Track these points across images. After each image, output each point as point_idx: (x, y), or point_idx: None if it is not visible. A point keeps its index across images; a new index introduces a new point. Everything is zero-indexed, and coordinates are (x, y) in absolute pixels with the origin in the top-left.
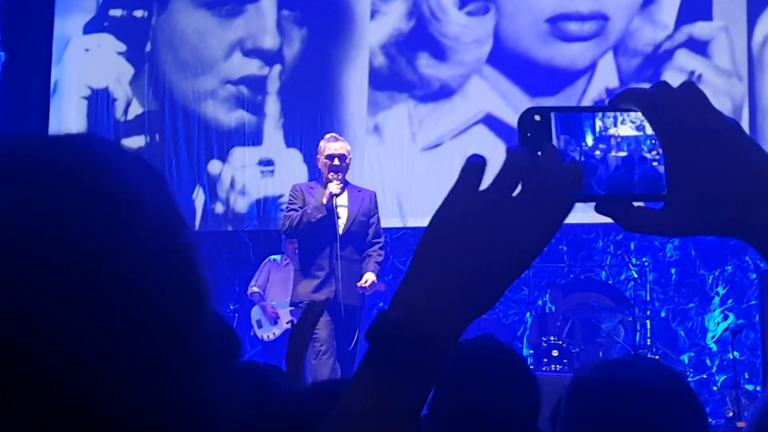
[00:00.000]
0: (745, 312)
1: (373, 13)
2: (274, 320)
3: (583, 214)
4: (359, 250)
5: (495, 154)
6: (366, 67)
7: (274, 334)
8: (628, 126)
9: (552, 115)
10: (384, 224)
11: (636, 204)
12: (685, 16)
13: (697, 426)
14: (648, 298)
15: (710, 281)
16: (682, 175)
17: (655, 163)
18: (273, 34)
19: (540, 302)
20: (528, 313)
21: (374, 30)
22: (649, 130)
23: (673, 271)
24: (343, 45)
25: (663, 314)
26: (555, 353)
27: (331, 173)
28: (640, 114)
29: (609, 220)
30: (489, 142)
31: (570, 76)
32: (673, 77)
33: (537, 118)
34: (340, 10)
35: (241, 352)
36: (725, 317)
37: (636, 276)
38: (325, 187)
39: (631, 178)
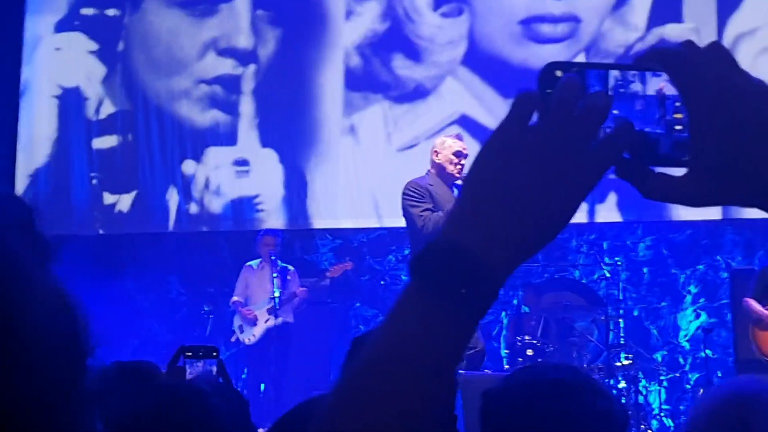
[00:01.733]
0: (717, 311)
1: (348, 14)
2: (253, 322)
3: None
4: None
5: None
6: (341, 68)
7: (254, 335)
8: (651, 86)
9: (574, 71)
10: (360, 224)
11: (657, 170)
12: (656, 18)
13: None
14: (621, 297)
15: (682, 280)
16: (707, 141)
17: (678, 127)
18: (247, 33)
19: (515, 302)
20: (503, 313)
21: (349, 30)
22: (673, 92)
23: (645, 270)
24: (317, 45)
25: (636, 313)
26: (530, 352)
27: (461, 173)
28: (665, 75)
29: (583, 219)
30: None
31: None
32: None
33: (558, 74)
34: (315, 10)
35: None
36: (697, 316)
37: (609, 275)
38: (450, 187)
39: (654, 142)
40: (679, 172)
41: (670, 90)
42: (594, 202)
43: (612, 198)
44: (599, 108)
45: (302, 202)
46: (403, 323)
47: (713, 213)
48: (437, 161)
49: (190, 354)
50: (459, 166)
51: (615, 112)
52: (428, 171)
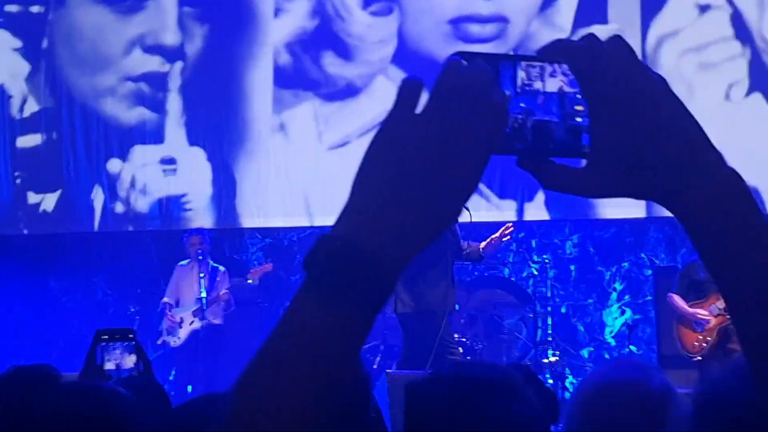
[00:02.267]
0: (641, 307)
1: (277, 11)
2: (178, 325)
3: (487, 213)
4: None
5: None
6: (270, 65)
7: (179, 338)
8: (555, 80)
9: (480, 61)
10: (291, 223)
11: (559, 163)
12: (581, 19)
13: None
14: (549, 295)
15: (608, 277)
16: (605, 133)
17: (579, 119)
18: (174, 30)
19: None
20: None
21: (278, 28)
22: (574, 86)
23: (572, 267)
24: (246, 42)
25: (563, 310)
26: (459, 350)
27: None
28: (567, 67)
29: (512, 218)
30: None
31: None
32: None
33: (464, 64)
34: (243, 7)
35: None
36: (622, 312)
37: (537, 273)
38: None
39: (554, 133)
40: (579, 163)
41: (572, 87)
42: (523, 201)
43: (540, 197)
44: (489, 101)
45: (231, 200)
46: (299, 319)
47: (638, 211)
48: None
49: (106, 337)
50: None
51: (522, 105)
52: None
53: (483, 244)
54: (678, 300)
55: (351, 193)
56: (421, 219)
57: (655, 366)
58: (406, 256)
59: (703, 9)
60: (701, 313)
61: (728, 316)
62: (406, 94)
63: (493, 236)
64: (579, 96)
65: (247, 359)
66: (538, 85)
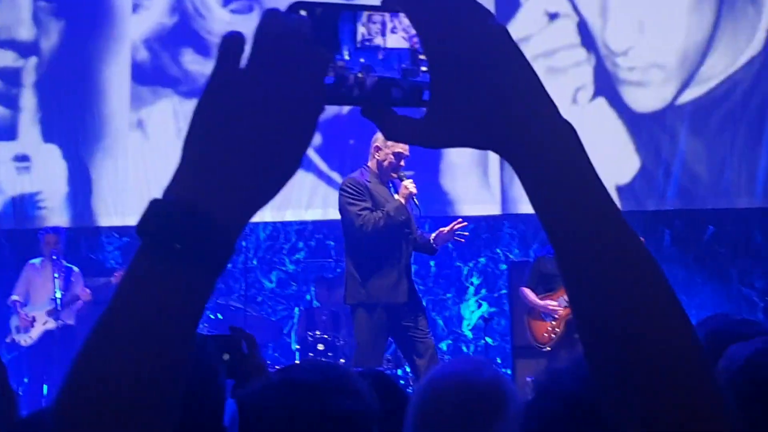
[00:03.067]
0: (497, 300)
1: (135, 7)
2: (30, 324)
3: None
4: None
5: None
6: (128, 62)
7: (31, 337)
8: (395, 36)
9: (319, 11)
10: None
11: (401, 113)
12: None
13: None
14: None
15: (465, 272)
16: (443, 84)
17: (420, 76)
18: (28, 25)
19: (308, 297)
20: (296, 308)
21: (136, 24)
22: (415, 42)
23: (432, 263)
24: (103, 38)
25: (423, 304)
26: (320, 347)
27: (399, 172)
28: (408, 24)
29: None
30: None
31: None
32: None
33: (303, 12)
34: (100, 2)
35: None
36: (479, 306)
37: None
38: (386, 184)
39: (395, 89)
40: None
41: (412, 44)
42: None
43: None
44: (307, 51)
45: (87, 199)
46: (134, 287)
47: (493, 209)
48: (378, 158)
49: None
50: (398, 166)
51: (362, 60)
52: (365, 167)
53: (433, 235)
54: (528, 293)
55: (182, 154)
56: (257, 175)
57: (488, 360)
58: (243, 215)
59: (552, 17)
60: (551, 304)
61: None
62: (228, 48)
63: (442, 229)
64: (420, 54)
65: None
66: (378, 40)
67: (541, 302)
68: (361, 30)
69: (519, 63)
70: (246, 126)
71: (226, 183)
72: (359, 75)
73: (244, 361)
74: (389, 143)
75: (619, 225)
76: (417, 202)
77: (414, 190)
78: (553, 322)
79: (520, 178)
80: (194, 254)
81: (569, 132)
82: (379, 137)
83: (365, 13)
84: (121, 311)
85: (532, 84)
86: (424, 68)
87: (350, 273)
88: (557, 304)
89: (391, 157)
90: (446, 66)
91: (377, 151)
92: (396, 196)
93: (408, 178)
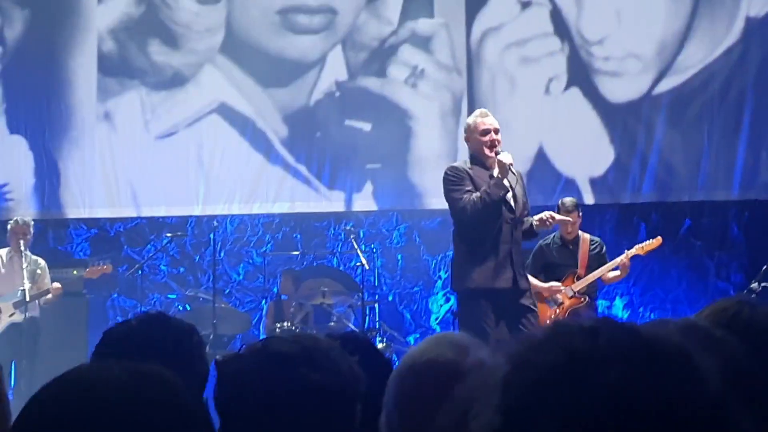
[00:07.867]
0: None
1: None
2: None
3: (316, 203)
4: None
5: (229, 143)
6: (94, 52)
7: None
8: None
9: None
10: (117, 214)
11: None
12: (408, 12)
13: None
14: (377, 283)
15: (433, 266)
16: None
17: None
18: None
19: (275, 289)
20: (264, 300)
21: (102, 14)
22: None
23: (399, 256)
24: (69, 28)
25: (390, 298)
26: None
27: (492, 149)
28: None
29: (340, 208)
30: (223, 131)
31: (301, 68)
32: (398, 71)
33: None
34: None
35: None
36: (447, 300)
37: (365, 263)
38: (489, 166)
39: None
40: None
41: None
42: (351, 192)
43: (368, 188)
44: None
45: (55, 190)
46: None
47: None
48: (469, 146)
49: None
50: (489, 142)
51: None
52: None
53: (536, 219)
54: (532, 279)
55: None
56: None
57: (476, 341)
58: None
59: (525, 5)
60: (556, 285)
61: (581, 300)
62: None
63: (550, 214)
64: None
65: (68, 350)
66: None
67: (547, 285)
68: None
69: None
70: None
71: None
72: None
73: None
74: (476, 123)
75: None
76: (514, 172)
77: (509, 161)
78: (558, 310)
79: None
80: None
81: None
82: (469, 122)
83: None
84: None
85: None
86: None
87: (455, 259)
88: (563, 293)
89: (479, 136)
90: None
91: (466, 140)
92: (494, 173)
93: (503, 151)
